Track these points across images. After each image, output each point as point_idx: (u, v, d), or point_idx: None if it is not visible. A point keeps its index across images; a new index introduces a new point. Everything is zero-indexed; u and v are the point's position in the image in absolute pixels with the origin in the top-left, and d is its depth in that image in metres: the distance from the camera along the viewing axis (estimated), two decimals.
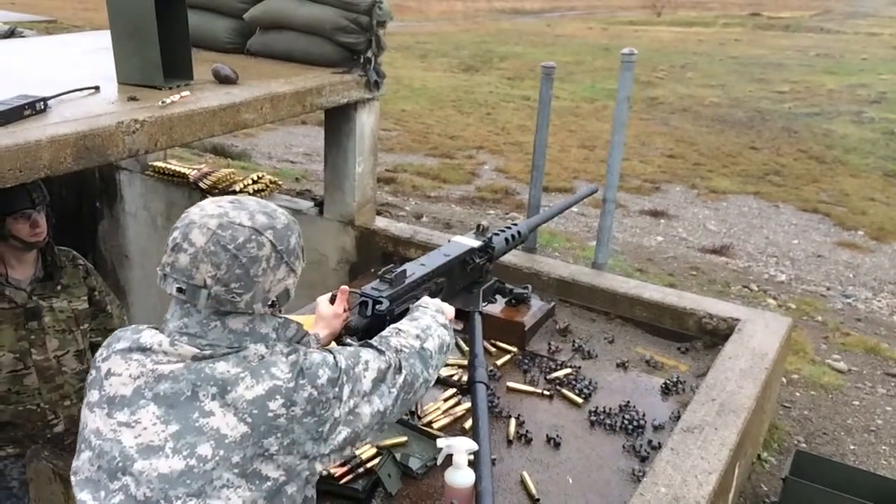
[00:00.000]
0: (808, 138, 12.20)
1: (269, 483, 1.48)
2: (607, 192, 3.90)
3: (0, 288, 2.90)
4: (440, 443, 2.19)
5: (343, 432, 1.59)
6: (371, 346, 1.77)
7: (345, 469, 2.39)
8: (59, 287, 3.05)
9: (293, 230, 1.63)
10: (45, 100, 2.70)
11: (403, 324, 1.93)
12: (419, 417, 2.76)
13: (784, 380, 4.28)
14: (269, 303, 1.57)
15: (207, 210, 1.55)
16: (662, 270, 6.21)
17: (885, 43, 23.89)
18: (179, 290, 1.51)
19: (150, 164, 5.11)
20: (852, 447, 3.77)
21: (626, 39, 22.04)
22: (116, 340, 1.58)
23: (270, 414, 1.47)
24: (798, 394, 4.22)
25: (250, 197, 1.67)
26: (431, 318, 1.99)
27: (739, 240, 7.93)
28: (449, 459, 2.14)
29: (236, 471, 1.44)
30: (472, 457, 2.12)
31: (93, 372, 1.58)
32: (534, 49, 20.52)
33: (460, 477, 2.12)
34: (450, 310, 2.19)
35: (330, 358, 1.59)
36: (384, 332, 1.87)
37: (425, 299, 2.19)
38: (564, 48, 21.05)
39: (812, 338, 5.04)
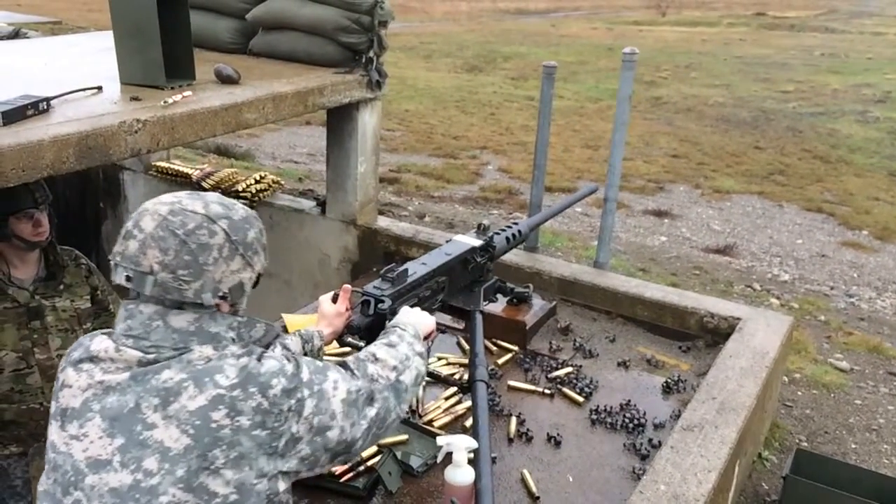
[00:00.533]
0: (812, 138, 12.18)
1: (217, 499, 1.39)
2: (608, 191, 3.91)
3: (3, 287, 2.91)
4: (440, 440, 2.20)
5: (303, 451, 1.50)
6: (346, 366, 1.69)
7: (345, 467, 2.40)
8: (61, 286, 3.06)
9: (253, 224, 1.58)
10: (47, 100, 2.71)
11: (381, 350, 1.81)
12: (420, 416, 2.77)
13: (786, 379, 4.28)
14: (220, 294, 1.50)
15: (162, 199, 1.53)
16: (665, 270, 6.22)
17: (891, 42, 23.84)
18: (127, 278, 1.47)
19: (153, 164, 5.13)
20: (854, 446, 3.77)
21: (630, 39, 22.02)
22: (73, 350, 1.55)
23: (214, 425, 1.39)
24: (800, 393, 4.22)
25: (213, 193, 1.63)
26: (409, 347, 1.88)
27: (743, 239, 7.92)
28: (449, 457, 2.15)
29: (181, 485, 1.37)
30: (472, 455, 2.13)
31: (56, 382, 1.55)
32: (538, 49, 20.52)
33: (460, 475, 2.13)
34: (429, 324, 2.11)
35: (289, 367, 1.50)
36: (360, 355, 1.77)
37: (404, 317, 2.08)
38: (569, 48, 21.05)
39: (815, 337, 5.04)
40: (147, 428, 1.40)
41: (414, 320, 2.05)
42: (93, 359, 1.48)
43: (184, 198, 1.52)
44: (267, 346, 1.60)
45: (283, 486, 1.50)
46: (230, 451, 1.40)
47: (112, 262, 1.50)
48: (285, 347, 2.05)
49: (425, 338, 2.07)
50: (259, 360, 1.49)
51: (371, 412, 1.63)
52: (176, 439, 1.39)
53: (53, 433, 1.48)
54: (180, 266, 1.45)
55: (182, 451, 1.38)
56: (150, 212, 1.49)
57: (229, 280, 1.51)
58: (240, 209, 1.57)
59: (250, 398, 1.42)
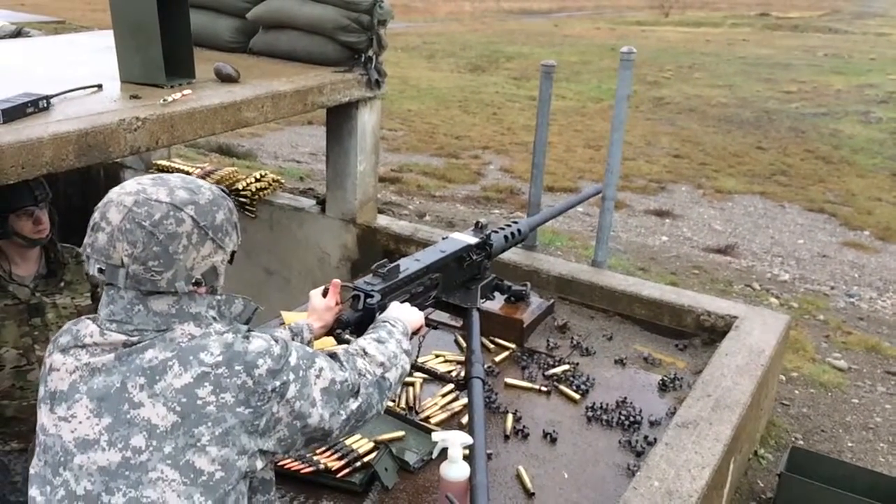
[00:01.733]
0: (815, 138, 12.17)
1: (203, 477, 1.41)
2: (607, 190, 3.92)
3: (4, 284, 2.93)
4: (435, 436, 2.22)
5: (280, 432, 1.52)
6: (335, 357, 1.70)
7: (341, 463, 2.42)
8: (62, 284, 3.08)
9: (220, 205, 1.56)
10: (48, 98, 2.73)
11: (370, 345, 1.84)
12: (417, 412, 2.78)
13: (783, 377, 4.28)
14: (193, 281, 1.51)
15: (126, 188, 1.52)
16: (665, 269, 6.22)
17: (894, 43, 23.79)
18: (100, 270, 1.48)
19: (154, 162, 5.15)
20: (850, 444, 3.78)
21: (633, 40, 22.00)
22: (60, 335, 1.56)
23: (199, 402, 1.41)
24: (797, 392, 4.22)
25: (176, 174, 1.61)
26: (397, 345, 1.90)
27: (744, 239, 7.92)
28: (445, 453, 2.16)
29: (169, 462, 1.40)
30: (467, 451, 2.15)
31: (43, 367, 1.57)
32: (541, 49, 20.51)
33: (455, 470, 2.14)
34: (417, 320, 2.13)
35: (275, 348, 1.51)
36: (350, 349, 1.80)
37: (394, 312, 2.11)
38: (572, 48, 21.04)
39: (813, 336, 5.04)
40: (134, 407, 1.42)
41: (403, 316, 2.08)
42: (79, 343, 1.50)
43: (148, 185, 1.51)
44: (247, 322, 1.61)
45: (260, 464, 1.51)
46: (215, 427, 1.42)
47: (83, 254, 1.51)
48: (311, 331, 2.11)
49: (414, 333, 2.10)
50: (246, 338, 1.50)
51: (353, 405, 1.65)
52: (163, 417, 1.41)
53: (43, 416, 1.51)
54: (150, 258, 1.45)
55: (169, 427, 1.40)
56: (116, 203, 1.48)
57: (201, 266, 1.52)
58: (206, 191, 1.56)
59: (235, 376, 1.44)
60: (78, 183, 5.43)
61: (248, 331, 1.56)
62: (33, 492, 1.50)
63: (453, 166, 10.07)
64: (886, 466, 3.62)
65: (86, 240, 1.51)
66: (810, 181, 10.08)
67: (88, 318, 1.55)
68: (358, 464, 2.44)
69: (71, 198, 5.40)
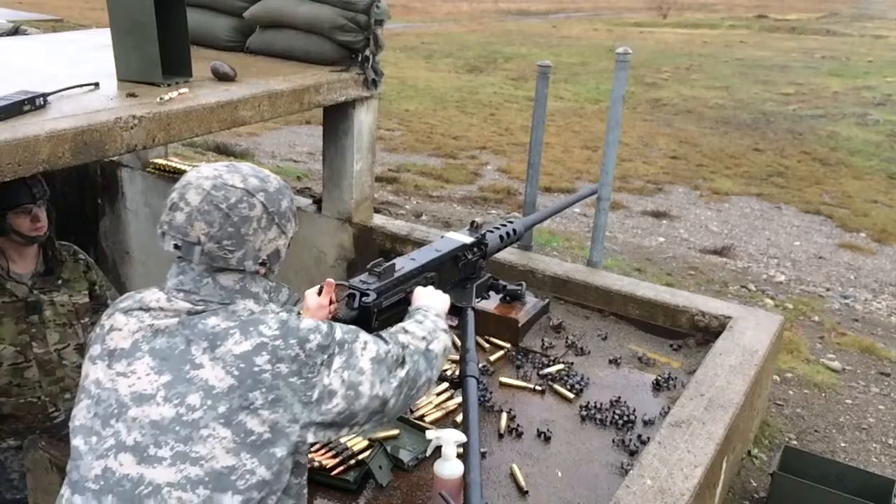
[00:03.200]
0: (812, 140, 12.21)
1: (252, 437, 1.52)
2: (602, 190, 3.93)
3: (1, 282, 2.94)
4: (429, 434, 2.23)
5: (338, 405, 1.61)
6: (378, 335, 1.81)
7: (336, 461, 2.43)
8: (59, 281, 3.10)
9: (284, 194, 1.71)
10: (44, 95, 2.74)
11: (409, 325, 1.95)
12: (411, 411, 2.79)
13: (777, 378, 4.30)
14: (260, 261, 1.65)
15: (203, 172, 1.65)
16: (661, 270, 6.24)
17: (892, 45, 23.87)
18: (176, 246, 1.61)
19: (150, 161, 5.15)
20: (843, 444, 3.80)
21: (631, 41, 22.04)
22: (121, 301, 1.68)
23: (256, 369, 1.52)
24: (791, 392, 4.24)
25: (245, 163, 1.75)
26: (434, 323, 2.01)
27: (741, 241, 7.94)
28: (439, 451, 2.17)
29: (222, 420, 1.50)
30: (461, 449, 2.16)
31: (97, 329, 1.67)
32: (539, 50, 20.54)
33: (448, 468, 2.16)
34: (446, 302, 2.22)
35: (324, 326, 1.63)
36: (392, 329, 1.90)
37: (422, 299, 2.19)
38: (569, 49, 21.07)
39: (808, 337, 5.06)
40: (195, 367, 1.53)
41: (432, 303, 2.18)
42: (143, 307, 1.62)
43: (223, 172, 1.65)
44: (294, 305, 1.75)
45: (311, 437, 1.61)
46: (269, 393, 1.53)
47: (159, 231, 1.65)
48: None
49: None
50: (297, 318, 1.63)
51: (401, 372, 1.75)
52: (220, 379, 1.52)
53: (98, 372, 1.60)
54: (224, 237, 1.60)
55: (225, 390, 1.52)
56: (195, 185, 1.62)
57: (267, 248, 1.67)
58: (273, 180, 1.70)
59: (290, 348, 1.56)
60: (75, 182, 5.44)
61: (298, 312, 1.70)
62: (77, 441, 1.58)
63: (451, 166, 10.09)
64: (879, 466, 3.64)
65: (162, 217, 1.65)
66: (807, 183, 10.11)
67: (154, 288, 1.67)
68: (352, 462, 2.44)
69: (67, 196, 5.41)
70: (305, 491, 1.72)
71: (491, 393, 2.96)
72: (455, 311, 2.83)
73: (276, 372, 1.53)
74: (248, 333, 1.55)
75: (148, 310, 1.62)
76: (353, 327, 1.74)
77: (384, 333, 1.84)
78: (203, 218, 1.59)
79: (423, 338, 1.89)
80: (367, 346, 1.69)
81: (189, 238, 1.60)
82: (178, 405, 1.51)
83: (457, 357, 3.08)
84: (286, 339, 1.56)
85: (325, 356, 1.60)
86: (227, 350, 1.53)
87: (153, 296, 1.64)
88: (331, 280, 2.25)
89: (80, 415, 1.60)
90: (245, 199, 1.62)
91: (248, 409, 1.51)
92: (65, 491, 1.59)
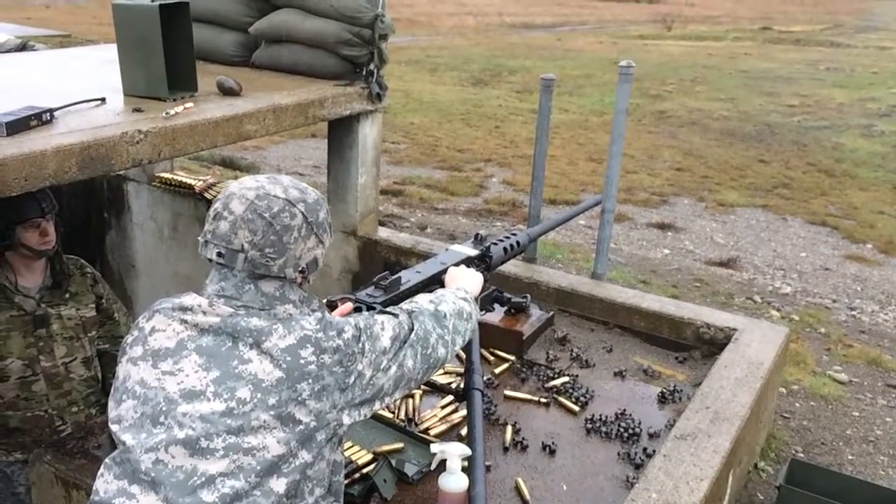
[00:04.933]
0: (817, 152, 12.18)
1: (301, 427, 1.60)
2: (606, 202, 3.94)
3: (9, 296, 2.95)
4: (434, 448, 2.22)
5: (368, 385, 1.71)
6: (385, 311, 1.90)
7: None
8: (67, 295, 3.10)
9: (322, 206, 1.78)
10: (51, 111, 2.76)
11: (419, 296, 2.09)
12: (416, 424, 2.79)
13: (784, 390, 4.29)
14: (300, 269, 1.72)
15: (246, 184, 1.73)
16: (666, 282, 6.23)
17: None
18: (219, 254, 1.67)
19: (156, 175, 5.18)
20: (850, 457, 3.78)
21: (636, 53, 22.07)
22: (159, 304, 1.74)
23: (302, 361, 1.60)
24: (798, 404, 4.23)
25: (285, 175, 1.82)
26: (447, 291, 2.15)
27: (747, 252, 7.92)
28: (443, 465, 2.17)
29: (272, 412, 1.57)
30: (466, 462, 2.16)
31: (135, 332, 1.72)
32: (543, 63, 20.57)
33: (453, 482, 2.15)
34: (476, 282, 2.36)
35: (351, 320, 1.73)
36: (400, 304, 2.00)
37: (455, 280, 2.39)
38: (574, 62, 21.10)
39: (814, 349, 5.05)
40: (242, 362, 1.60)
41: (462, 282, 2.34)
42: (185, 309, 1.68)
43: (265, 183, 1.72)
44: None
45: (347, 419, 1.70)
46: (315, 384, 1.62)
47: (202, 240, 1.71)
48: None
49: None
50: (330, 316, 1.74)
51: (412, 335, 1.85)
52: (269, 372, 1.59)
53: (143, 372, 1.66)
54: (267, 245, 1.66)
55: (274, 382, 1.59)
56: (238, 196, 1.69)
57: (307, 256, 1.74)
58: (311, 193, 1.78)
59: (331, 340, 1.65)
60: (82, 196, 5.46)
61: (330, 314, 1.80)
62: (126, 437, 1.63)
63: (455, 179, 10.09)
64: (887, 479, 3.62)
65: (206, 227, 1.71)
66: (812, 194, 10.09)
67: (192, 293, 1.73)
68: (357, 475, 2.44)
69: (74, 210, 5.44)
70: (343, 488, 1.82)
71: (496, 406, 2.96)
72: None
73: (321, 363, 1.62)
74: (291, 328, 1.63)
75: (188, 311, 1.67)
76: (365, 313, 1.86)
77: (393, 308, 1.94)
78: (247, 226, 1.65)
79: (430, 301, 2.02)
80: (384, 326, 1.79)
81: (233, 245, 1.65)
82: (227, 399, 1.58)
83: (461, 369, 3.08)
84: (326, 332, 1.65)
85: (360, 345, 1.69)
86: (272, 344, 1.60)
87: (194, 300, 1.69)
88: (349, 304, 2.27)
89: (128, 415, 1.65)
90: (287, 208, 1.68)
91: (297, 400, 1.59)
92: (112, 483, 1.61)
